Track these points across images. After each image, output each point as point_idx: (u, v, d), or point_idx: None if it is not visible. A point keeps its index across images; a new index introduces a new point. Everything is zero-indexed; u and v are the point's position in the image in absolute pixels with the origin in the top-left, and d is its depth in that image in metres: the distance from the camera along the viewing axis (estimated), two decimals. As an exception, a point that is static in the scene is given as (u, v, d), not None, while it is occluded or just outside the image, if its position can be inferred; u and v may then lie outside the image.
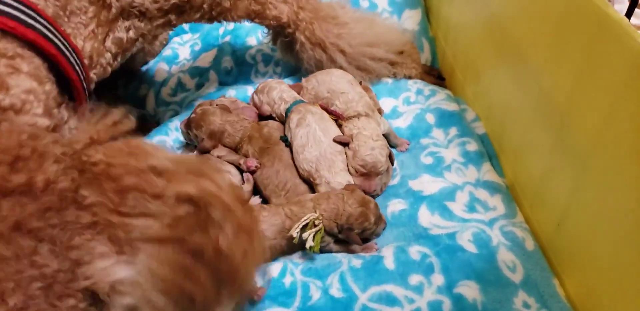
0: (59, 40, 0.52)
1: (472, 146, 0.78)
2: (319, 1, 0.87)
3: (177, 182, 0.37)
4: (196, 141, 0.83)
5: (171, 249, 0.35)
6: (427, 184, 0.74)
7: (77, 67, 0.54)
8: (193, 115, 0.82)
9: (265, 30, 0.88)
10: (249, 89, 0.94)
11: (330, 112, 0.80)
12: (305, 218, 0.65)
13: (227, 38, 1.07)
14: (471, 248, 0.65)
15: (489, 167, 0.75)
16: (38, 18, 0.49)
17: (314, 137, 0.76)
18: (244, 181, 0.77)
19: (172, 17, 0.70)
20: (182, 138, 0.86)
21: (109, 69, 0.64)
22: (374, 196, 0.74)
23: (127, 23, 0.64)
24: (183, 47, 1.11)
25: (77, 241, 0.32)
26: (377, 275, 0.63)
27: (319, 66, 0.90)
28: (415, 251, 0.65)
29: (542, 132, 0.63)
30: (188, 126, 0.83)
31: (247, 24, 1.08)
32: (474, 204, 0.71)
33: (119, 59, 0.66)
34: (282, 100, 0.83)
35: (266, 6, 0.79)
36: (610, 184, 0.49)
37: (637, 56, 0.43)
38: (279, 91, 0.85)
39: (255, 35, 1.07)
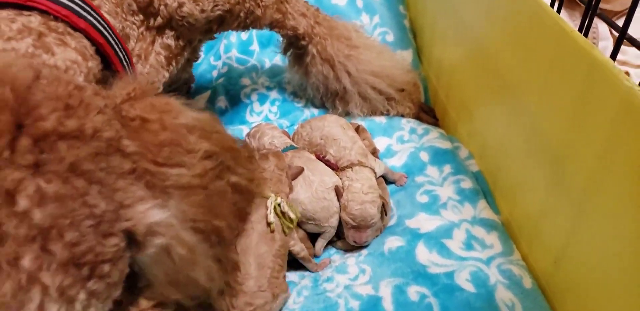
0: (109, 34, 0.56)
1: (467, 184, 0.79)
2: (335, 20, 0.92)
3: (204, 139, 0.43)
4: None
5: (199, 194, 0.41)
6: (424, 222, 0.74)
7: (124, 62, 0.58)
8: None
9: (280, 39, 0.93)
10: (244, 129, 0.94)
11: (325, 163, 0.80)
12: (269, 208, 0.68)
13: (221, 80, 1.09)
14: (469, 287, 0.64)
15: (485, 204, 0.76)
16: (91, 11, 0.54)
17: (302, 176, 0.76)
18: None
19: (214, 26, 0.75)
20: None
21: (164, 73, 0.68)
22: (364, 246, 0.75)
23: (175, 32, 0.68)
24: (178, 89, 1.12)
25: (120, 184, 0.35)
26: (376, 317, 0.63)
27: (325, 83, 0.92)
28: (414, 291, 0.65)
29: (536, 171, 0.63)
30: None
31: (239, 67, 1.11)
32: (471, 242, 0.71)
33: (173, 64, 0.70)
34: (273, 146, 0.84)
35: (286, 16, 0.86)
36: (608, 222, 0.50)
37: (625, 97, 0.44)
38: (270, 136, 0.85)
39: (249, 76, 1.09)
